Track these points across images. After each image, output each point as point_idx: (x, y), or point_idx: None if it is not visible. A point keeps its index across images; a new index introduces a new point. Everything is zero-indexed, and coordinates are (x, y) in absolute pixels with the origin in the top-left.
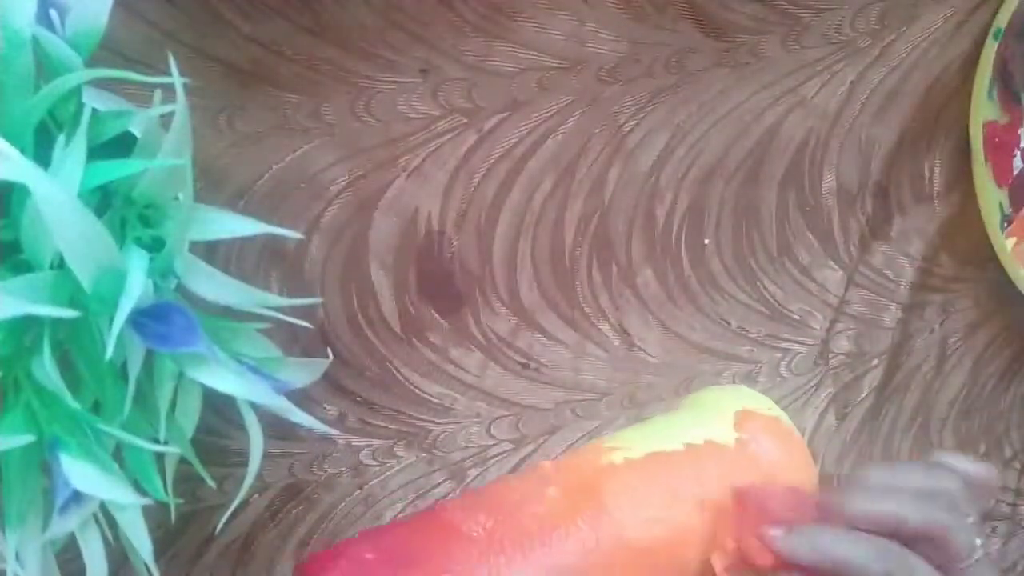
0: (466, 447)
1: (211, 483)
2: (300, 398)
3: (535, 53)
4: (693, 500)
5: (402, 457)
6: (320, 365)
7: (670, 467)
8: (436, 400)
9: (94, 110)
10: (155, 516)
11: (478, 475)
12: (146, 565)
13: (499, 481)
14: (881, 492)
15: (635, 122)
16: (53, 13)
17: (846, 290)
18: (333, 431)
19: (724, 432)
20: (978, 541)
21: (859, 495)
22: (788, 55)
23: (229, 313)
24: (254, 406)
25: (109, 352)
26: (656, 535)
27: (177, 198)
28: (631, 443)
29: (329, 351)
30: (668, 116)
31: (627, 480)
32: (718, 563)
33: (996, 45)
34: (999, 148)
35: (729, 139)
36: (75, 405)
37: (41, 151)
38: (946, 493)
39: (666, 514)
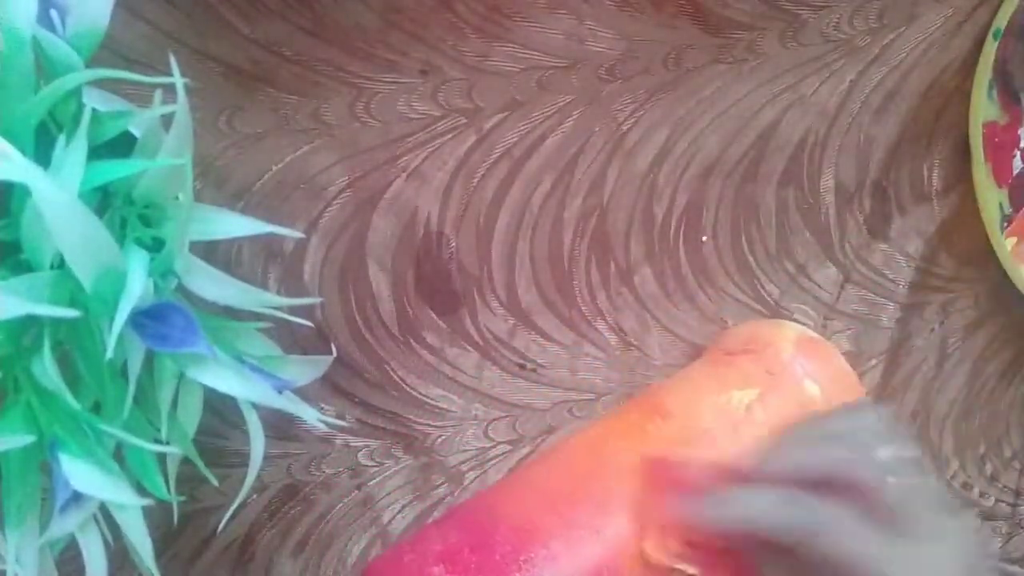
0: (464, 449)
1: (214, 482)
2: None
3: (534, 53)
4: None
5: (400, 458)
6: (322, 363)
7: None
8: (433, 401)
9: (94, 110)
10: (155, 516)
11: (476, 477)
12: (147, 566)
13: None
14: (787, 450)
15: (634, 120)
16: (54, 13)
17: (841, 289)
18: (342, 423)
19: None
20: (890, 478)
21: (763, 457)
22: (786, 52)
23: (229, 313)
24: (255, 406)
25: (109, 352)
26: None
27: (177, 198)
28: None
29: (333, 347)
30: (666, 114)
31: None
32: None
33: (996, 45)
34: (999, 148)
35: (727, 137)
36: (75, 405)
37: (41, 151)
38: (849, 434)
39: None
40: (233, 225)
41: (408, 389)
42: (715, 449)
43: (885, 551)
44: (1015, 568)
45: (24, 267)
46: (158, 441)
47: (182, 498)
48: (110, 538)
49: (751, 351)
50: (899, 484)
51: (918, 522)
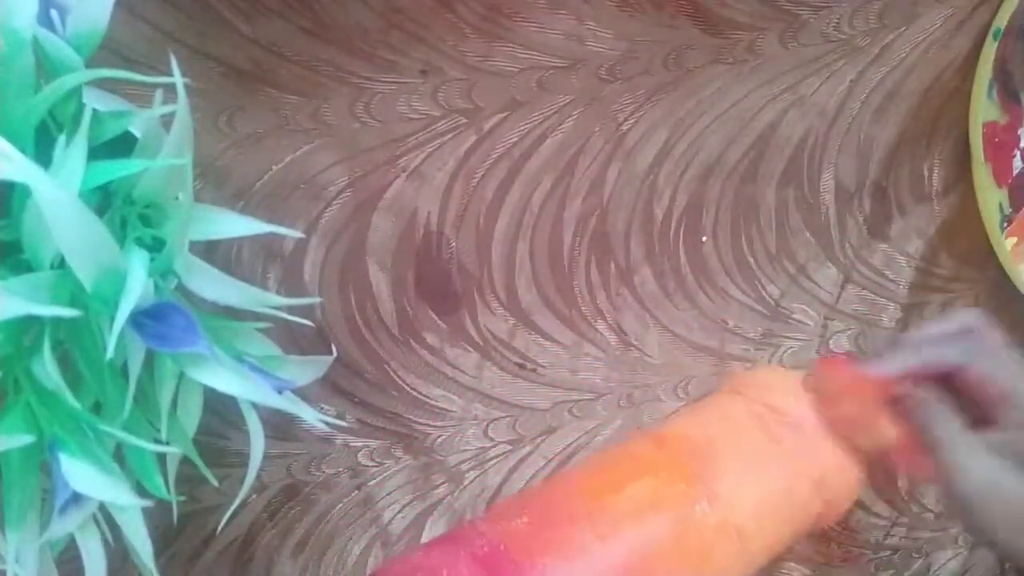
0: (464, 449)
1: (214, 483)
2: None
3: (534, 53)
4: None
5: (400, 458)
6: (323, 363)
7: None
8: (433, 401)
9: (94, 110)
10: (154, 516)
11: (476, 477)
12: (146, 566)
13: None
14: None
15: (634, 120)
16: (54, 13)
17: (842, 289)
18: (341, 423)
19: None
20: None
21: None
22: (786, 52)
23: (229, 313)
24: (255, 406)
25: (109, 352)
26: None
27: (177, 198)
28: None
29: (334, 348)
30: (666, 114)
31: None
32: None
33: (996, 45)
34: (999, 148)
35: (727, 137)
36: (75, 405)
37: (41, 151)
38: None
39: None
40: (233, 225)
41: (408, 389)
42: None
43: None
44: None
45: (24, 267)
46: (158, 441)
47: (182, 498)
48: (110, 538)
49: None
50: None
51: None
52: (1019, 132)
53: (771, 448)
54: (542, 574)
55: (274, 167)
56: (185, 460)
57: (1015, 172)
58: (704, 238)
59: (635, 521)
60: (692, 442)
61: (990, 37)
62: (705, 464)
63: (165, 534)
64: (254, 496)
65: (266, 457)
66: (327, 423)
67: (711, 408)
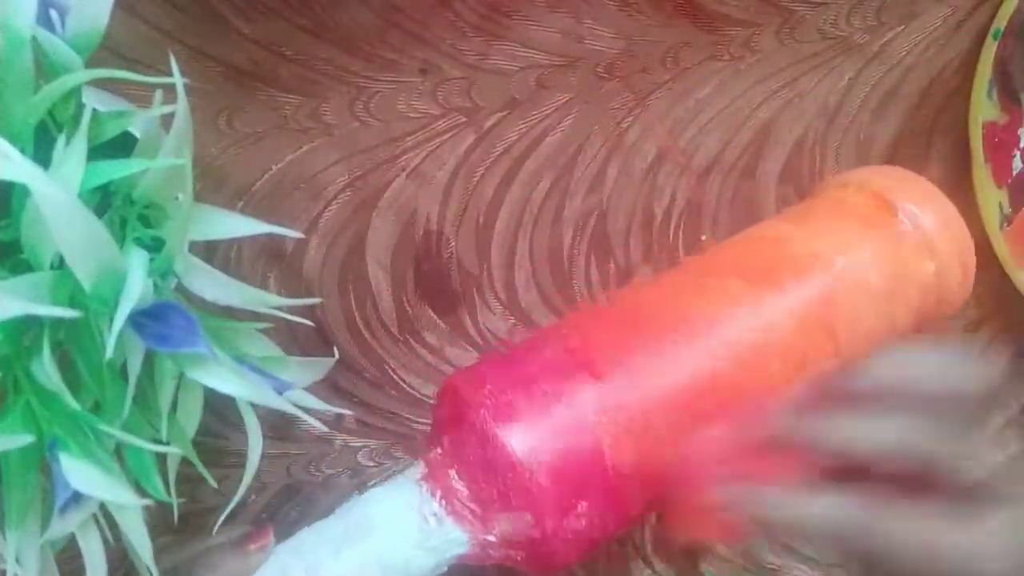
0: None
1: (212, 483)
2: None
3: (533, 51)
4: None
5: (400, 458)
6: (324, 364)
7: None
8: (433, 401)
9: (94, 110)
10: (155, 516)
11: None
12: (146, 566)
13: None
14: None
15: (632, 118)
16: (53, 13)
17: None
18: (346, 411)
19: None
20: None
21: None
22: (784, 49)
23: (229, 313)
24: (254, 406)
25: (109, 352)
26: None
27: (177, 198)
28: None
29: (336, 350)
30: (665, 112)
31: None
32: None
33: (995, 45)
34: (998, 148)
35: (726, 135)
36: (75, 405)
37: (41, 151)
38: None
39: None
40: (233, 225)
41: (408, 389)
42: None
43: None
44: None
45: (24, 267)
46: (158, 441)
47: (182, 500)
48: (110, 538)
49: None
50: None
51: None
52: (1019, 132)
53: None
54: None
55: (274, 167)
56: (185, 461)
57: (1015, 172)
58: (704, 236)
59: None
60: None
61: (990, 37)
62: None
63: (165, 534)
64: (254, 496)
65: (265, 457)
66: (332, 412)
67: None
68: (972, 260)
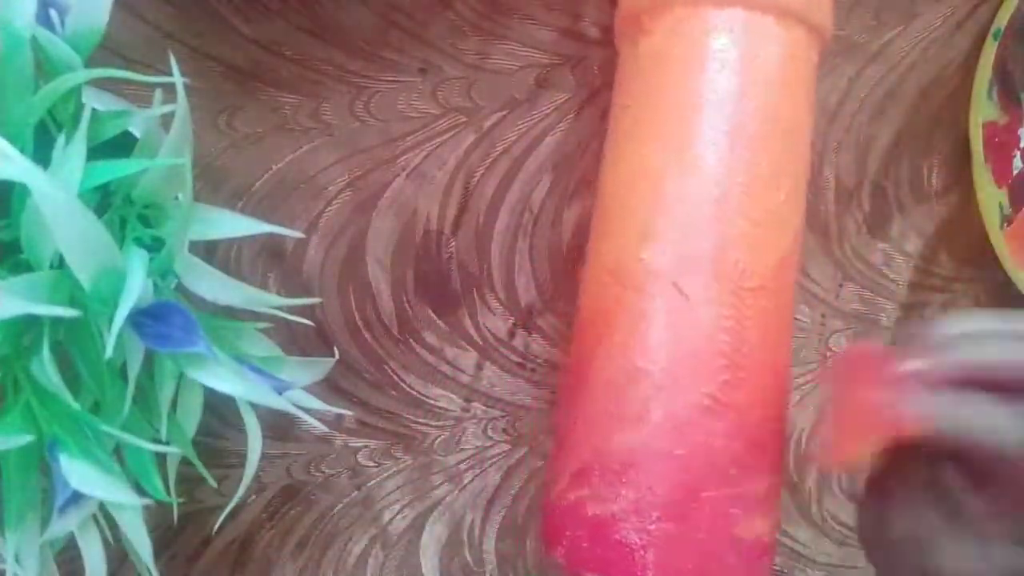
0: (463, 448)
1: (212, 483)
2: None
3: (533, 51)
4: None
5: (400, 458)
6: (324, 365)
7: None
8: (433, 401)
9: (94, 110)
10: (154, 516)
11: (475, 476)
12: (146, 566)
13: None
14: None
15: None
16: (53, 13)
17: (840, 288)
18: (345, 411)
19: None
20: None
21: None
22: None
23: (229, 313)
24: (254, 406)
25: (109, 352)
26: None
27: (177, 198)
28: None
29: (336, 350)
30: None
31: None
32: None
33: (996, 45)
34: (999, 148)
35: None
36: (75, 405)
37: (41, 151)
38: None
39: None
40: (233, 225)
41: (408, 389)
42: None
43: None
44: None
45: (24, 267)
46: (158, 441)
47: (181, 500)
48: (110, 538)
49: None
50: None
51: None
52: (1019, 132)
53: None
54: None
55: (274, 167)
56: (185, 461)
57: (1015, 172)
58: None
59: None
60: None
61: (990, 37)
62: None
63: (165, 534)
64: (253, 496)
65: (265, 458)
66: (332, 413)
67: None
68: None
